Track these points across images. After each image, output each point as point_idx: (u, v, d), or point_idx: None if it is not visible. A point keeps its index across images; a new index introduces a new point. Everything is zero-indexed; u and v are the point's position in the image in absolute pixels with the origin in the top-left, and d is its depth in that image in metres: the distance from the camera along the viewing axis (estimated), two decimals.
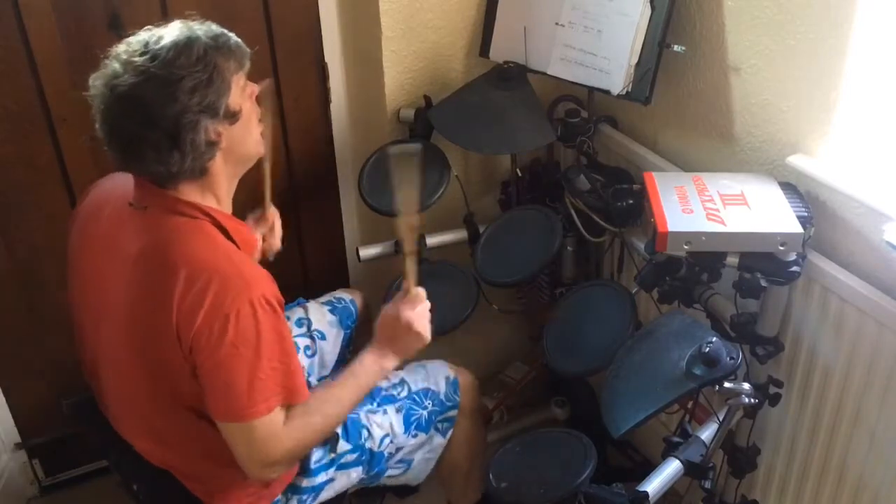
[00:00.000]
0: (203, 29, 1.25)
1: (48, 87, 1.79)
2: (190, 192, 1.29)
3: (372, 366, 1.43)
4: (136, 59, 1.20)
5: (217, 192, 1.32)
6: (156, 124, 1.19)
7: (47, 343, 2.01)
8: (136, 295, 1.27)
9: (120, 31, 1.79)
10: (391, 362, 1.44)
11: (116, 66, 1.21)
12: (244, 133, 1.31)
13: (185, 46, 1.21)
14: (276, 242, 1.69)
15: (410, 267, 1.47)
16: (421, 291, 1.46)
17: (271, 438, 1.28)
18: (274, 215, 1.68)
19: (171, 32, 1.23)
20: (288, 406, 1.31)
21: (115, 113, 1.21)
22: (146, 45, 1.21)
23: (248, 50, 1.30)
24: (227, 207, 1.35)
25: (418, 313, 1.43)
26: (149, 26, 1.26)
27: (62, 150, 1.86)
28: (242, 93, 1.29)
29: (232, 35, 1.29)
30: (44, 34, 1.74)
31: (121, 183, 1.35)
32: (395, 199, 1.48)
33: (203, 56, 1.22)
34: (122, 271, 1.29)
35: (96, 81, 1.22)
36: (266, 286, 1.27)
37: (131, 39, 1.24)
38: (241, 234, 1.34)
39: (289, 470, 1.42)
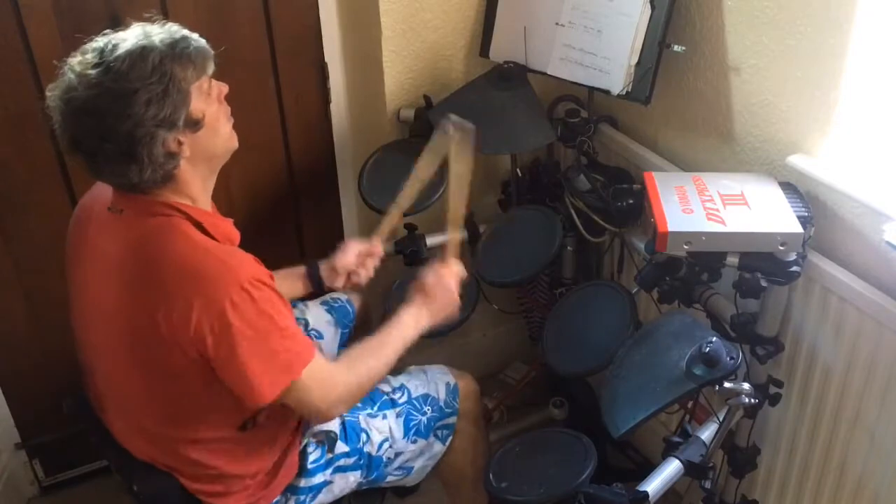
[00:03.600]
0: (161, 35, 1.21)
1: (48, 87, 1.79)
2: (162, 194, 1.27)
3: (409, 319, 1.48)
4: (90, 71, 1.17)
5: (190, 193, 1.30)
6: (110, 138, 1.17)
7: (47, 343, 2.01)
8: (125, 300, 1.26)
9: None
10: (425, 320, 1.50)
11: (72, 76, 1.18)
12: (210, 136, 1.27)
13: (139, 57, 1.17)
14: (361, 278, 1.70)
15: (454, 238, 1.62)
16: (458, 263, 1.58)
17: (322, 384, 1.31)
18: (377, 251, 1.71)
19: (126, 41, 1.20)
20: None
21: (71, 126, 1.19)
22: (101, 54, 1.18)
23: (210, 52, 1.26)
24: (203, 205, 1.33)
25: (455, 278, 1.56)
26: (106, 30, 1.23)
27: (62, 150, 1.86)
28: (207, 97, 1.26)
29: (193, 39, 1.25)
30: (44, 34, 1.74)
31: (102, 190, 1.35)
32: (451, 172, 1.60)
33: (158, 66, 1.18)
34: (107, 276, 1.28)
35: (52, 93, 1.20)
36: (251, 268, 1.25)
37: (87, 47, 1.21)
38: (217, 228, 1.31)
39: (350, 407, 1.43)
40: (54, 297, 1.94)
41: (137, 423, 1.38)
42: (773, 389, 1.60)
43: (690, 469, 1.47)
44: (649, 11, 1.70)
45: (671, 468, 1.46)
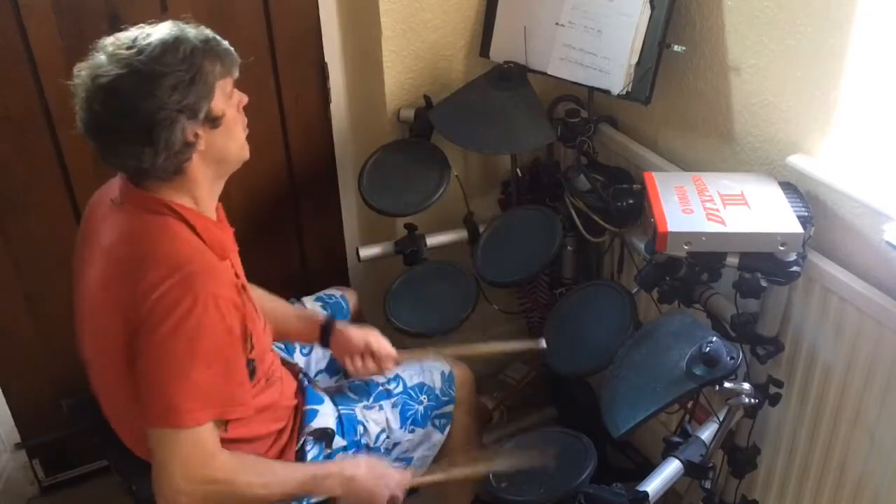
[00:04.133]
0: (194, 31, 1.25)
1: (48, 87, 1.79)
2: (165, 192, 1.28)
3: (327, 477, 1.38)
4: (122, 52, 1.20)
5: (195, 194, 1.30)
6: (131, 117, 1.19)
7: (47, 343, 2.01)
8: (102, 285, 1.28)
9: (120, 31, 1.80)
10: (340, 489, 1.38)
11: (102, 57, 1.21)
12: (226, 139, 1.29)
13: (172, 45, 1.21)
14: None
15: (435, 479, 1.51)
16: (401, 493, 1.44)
17: (193, 457, 1.22)
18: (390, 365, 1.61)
19: (161, 31, 1.23)
20: (225, 423, 1.28)
21: (95, 102, 1.21)
22: (134, 40, 1.22)
23: (238, 58, 1.29)
24: (207, 209, 1.33)
25: (387, 493, 1.41)
26: (141, 24, 1.26)
27: (62, 150, 1.86)
28: (228, 100, 1.28)
29: (224, 42, 1.28)
30: (44, 34, 1.74)
31: (112, 186, 1.36)
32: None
33: (189, 56, 1.21)
34: (97, 263, 1.30)
35: (81, 71, 1.23)
36: (221, 287, 1.24)
37: (121, 34, 1.24)
38: (210, 233, 1.31)
39: None
40: (54, 297, 1.95)
41: (125, 415, 1.38)
42: (773, 389, 1.60)
43: (690, 469, 1.47)
44: (649, 11, 1.70)
45: (671, 468, 1.46)
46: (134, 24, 1.27)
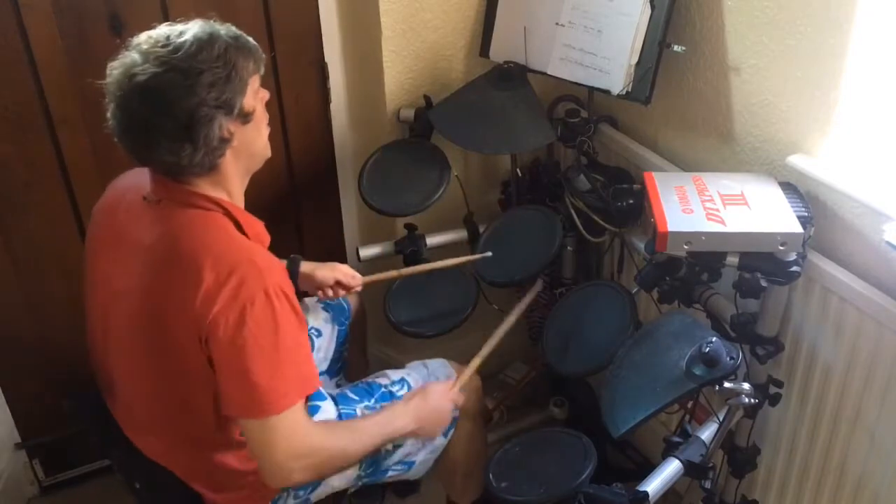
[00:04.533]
0: (224, 28, 1.27)
1: (48, 87, 1.79)
2: (202, 186, 1.30)
3: (401, 415, 1.49)
4: (158, 49, 1.21)
5: (228, 188, 1.33)
6: (172, 114, 1.20)
7: (47, 343, 2.01)
8: (149, 285, 1.28)
9: (120, 31, 1.80)
10: (412, 425, 1.50)
11: (136, 56, 1.22)
12: (255, 134, 1.33)
13: (207, 42, 1.23)
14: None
15: (474, 366, 1.67)
16: (463, 396, 1.61)
17: (294, 435, 1.28)
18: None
19: (192, 28, 1.25)
20: (307, 400, 1.33)
21: (132, 101, 1.21)
22: (168, 37, 1.23)
23: (263, 55, 1.32)
24: (238, 202, 1.37)
25: (451, 405, 1.57)
26: (168, 22, 1.27)
27: (62, 150, 1.86)
28: (256, 95, 1.31)
29: (251, 38, 1.31)
30: (44, 34, 1.74)
31: (136, 179, 1.37)
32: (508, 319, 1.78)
33: (224, 53, 1.23)
34: (134, 263, 1.30)
35: (114, 70, 1.23)
36: (280, 277, 1.28)
37: (152, 32, 1.25)
38: (252, 228, 1.35)
39: (309, 479, 1.39)
40: (54, 297, 1.95)
41: (143, 418, 1.39)
42: (773, 389, 1.60)
43: (690, 469, 1.47)
44: (649, 11, 1.70)
45: (671, 468, 1.46)
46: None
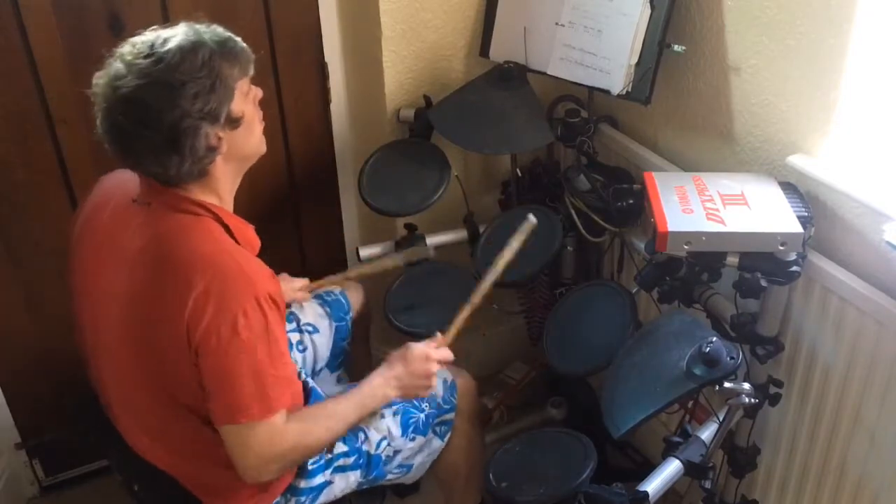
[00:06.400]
0: (209, 33, 1.25)
1: (48, 87, 1.79)
2: (193, 190, 1.29)
3: (378, 388, 1.45)
4: (140, 60, 1.19)
5: (218, 191, 1.32)
6: (156, 127, 1.19)
7: (47, 343, 2.01)
8: (138, 290, 1.27)
9: (120, 31, 1.80)
10: (395, 392, 1.47)
11: (120, 66, 1.21)
12: (246, 136, 1.31)
13: (190, 51, 1.20)
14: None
15: (462, 319, 1.57)
16: (449, 352, 1.53)
17: (270, 441, 1.28)
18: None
19: (177, 35, 1.22)
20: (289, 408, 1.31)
21: (117, 113, 1.20)
22: (151, 46, 1.21)
23: (252, 55, 1.30)
24: (228, 205, 1.36)
25: (439, 365, 1.50)
26: (154, 27, 1.26)
27: (62, 150, 1.86)
28: (245, 98, 1.29)
29: (238, 40, 1.29)
30: (44, 34, 1.74)
31: (124, 179, 1.35)
32: (500, 253, 1.62)
33: (208, 62, 1.21)
34: (122, 267, 1.29)
35: (99, 80, 1.22)
36: (269, 284, 1.27)
37: (136, 40, 1.24)
38: (242, 233, 1.34)
39: (282, 475, 1.40)
40: (54, 297, 1.95)
41: (140, 420, 1.38)
42: (773, 389, 1.60)
43: (690, 469, 1.47)
44: (649, 11, 1.70)
45: (671, 468, 1.46)
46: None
